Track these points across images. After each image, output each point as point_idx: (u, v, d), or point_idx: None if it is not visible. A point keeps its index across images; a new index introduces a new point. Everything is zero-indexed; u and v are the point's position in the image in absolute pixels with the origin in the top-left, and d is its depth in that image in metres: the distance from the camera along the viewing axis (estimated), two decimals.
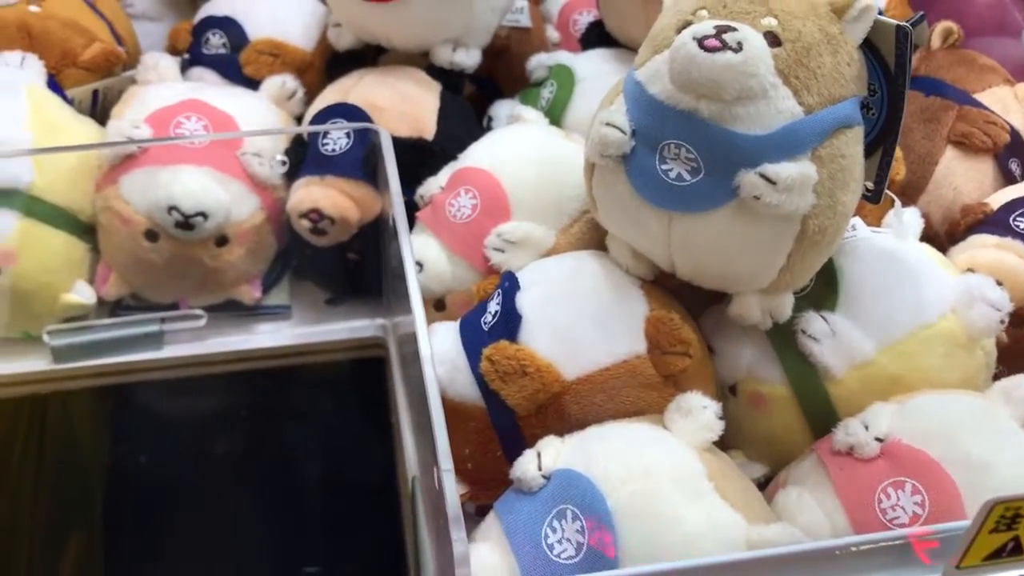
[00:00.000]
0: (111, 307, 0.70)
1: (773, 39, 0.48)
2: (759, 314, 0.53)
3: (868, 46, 0.50)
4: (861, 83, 0.50)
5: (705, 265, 0.52)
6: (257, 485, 0.67)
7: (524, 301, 0.55)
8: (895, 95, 0.51)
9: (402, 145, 0.67)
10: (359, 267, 0.71)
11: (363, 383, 0.72)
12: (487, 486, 0.54)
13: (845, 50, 0.49)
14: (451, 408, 0.55)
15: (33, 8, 0.72)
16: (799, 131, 0.47)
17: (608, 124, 0.50)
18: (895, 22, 0.49)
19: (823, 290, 0.55)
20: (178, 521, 0.64)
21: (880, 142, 0.53)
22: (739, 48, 0.46)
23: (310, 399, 0.73)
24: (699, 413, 0.50)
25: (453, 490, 0.43)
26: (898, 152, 0.65)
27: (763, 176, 0.46)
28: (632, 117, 0.50)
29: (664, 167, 0.49)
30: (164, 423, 0.70)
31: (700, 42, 0.46)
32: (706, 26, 0.47)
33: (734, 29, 0.47)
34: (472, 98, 0.78)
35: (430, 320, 0.61)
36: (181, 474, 0.67)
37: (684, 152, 0.48)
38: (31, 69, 0.69)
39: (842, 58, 0.48)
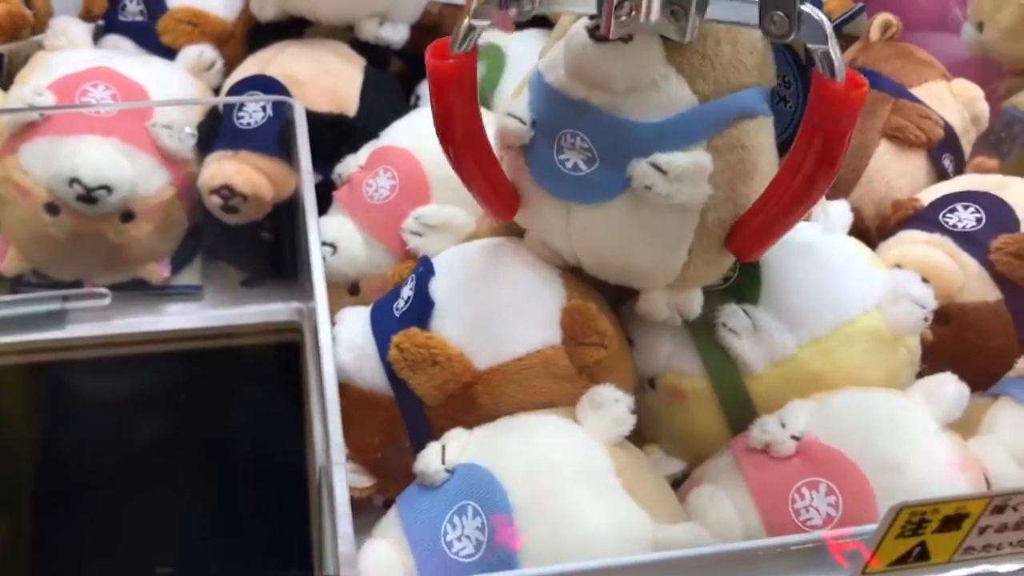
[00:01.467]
0: (11, 283, 0.66)
1: None
2: (666, 310, 0.51)
3: None
4: (766, 73, 0.48)
5: (605, 258, 0.51)
6: (166, 472, 0.64)
7: (438, 287, 0.53)
8: (808, 84, 0.49)
9: (321, 121, 0.65)
10: (275, 247, 0.68)
11: (277, 369, 0.69)
12: (395, 479, 0.52)
13: (746, 39, 0.47)
14: (359, 397, 0.53)
15: None
16: (692, 120, 0.46)
17: (509, 115, 0.49)
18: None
19: (746, 283, 0.54)
20: (81, 504, 0.61)
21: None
22: (630, 38, 0.44)
23: (221, 384, 0.70)
24: (611, 406, 0.48)
25: (344, 485, 0.41)
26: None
27: (654, 165, 0.45)
28: (533, 108, 0.49)
29: (561, 157, 0.48)
30: (67, 406, 0.67)
31: (591, 31, 0.45)
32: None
33: None
34: (400, 75, 0.75)
35: (343, 305, 0.59)
36: (86, 458, 0.64)
37: (579, 142, 0.47)
38: None
39: (742, 47, 0.46)
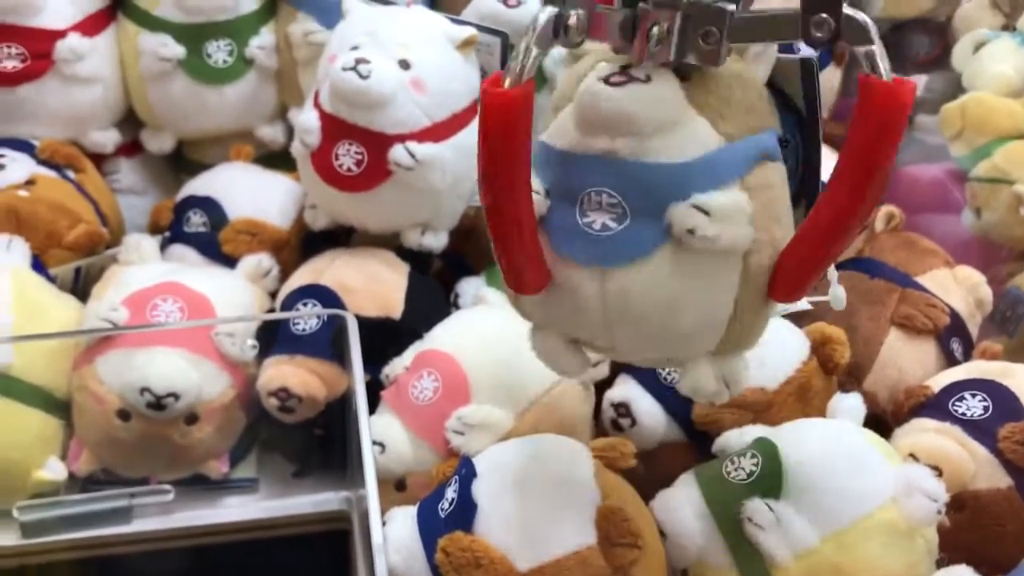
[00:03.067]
0: (81, 482, 0.71)
1: (680, 76, 0.46)
2: (714, 382, 0.49)
3: (775, 91, 0.49)
4: (775, 119, 0.48)
5: (648, 327, 0.47)
6: None
7: (479, 489, 0.57)
8: (810, 137, 0.50)
9: (370, 324, 0.70)
10: (325, 441, 0.73)
11: (327, 556, 0.73)
12: None
13: (753, 86, 0.47)
14: None
15: (22, 192, 0.76)
16: (722, 159, 0.45)
17: None
18: (797, 56, 0.49)
19: (769, 477, 0.57)
20: None
21: (801, 196, 0.50)
22: (648, 79, 0.45)
23: (276, 572, 0.74)
24: None
25: None
26: (843, 335, 0.68)
27: (696, 207, 0.43)
28: (544, 178, 0.47)
29: (586, 220, 0.45)
30: None
31: (605, 80, 0.45)
32: (610, 66, 0.46)
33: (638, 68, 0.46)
34: (440, 273, 0.81)
35: (390, 500, 0.63)
36: None
37: (605, 198, 0.45)
38: (16, 252, 0.73)
39: (751, 92, 0.47)
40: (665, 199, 0.44)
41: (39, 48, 0.79)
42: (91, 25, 0.82)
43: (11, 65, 0.79)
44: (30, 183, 0.76)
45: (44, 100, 0.81)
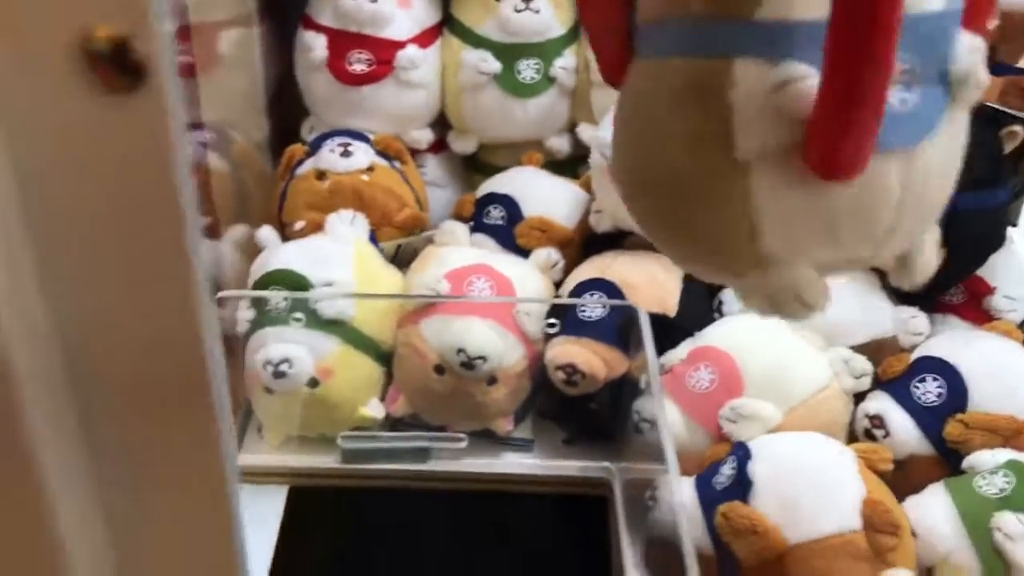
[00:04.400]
0: (392, 422, 0.85)
1: None
2: (936, 257, 0.46)
3: None
4: None
5: (927, 210, 0.43)
6: None
7: (755, 470, 0.66)
8: None
9: (650, 319, 0.81)
10: (596, 415, 0.84)
11: (585, 517, 0.84)
12: None
13: None
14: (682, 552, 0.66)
15: (364, 177, 0.90)
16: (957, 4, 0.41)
17: (786, 80, 0.38)
18: None
19: (1018, 491, 0.64)
20: None
21: None
22: None
23: (538, 523, 0.85)
24: None
25: None
26: None
27: (970, 54, 0.40)
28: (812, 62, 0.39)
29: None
30: (415, 527, 0.83)
31: None
32: None
33: None
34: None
35: (658, 473, 0.73)
36: (413, 573, 0.79)
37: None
38: (359, 226, 0.87)
39: None
40: (943, 52, 0.40)
41: (383, 55, 0.94)
42: (425, 38, 0.96)
43: (360, 68, 0.93)
44: (370, 169, 0.91)
45: (381, 100, 0.95)
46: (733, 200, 0.41)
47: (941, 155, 0.42)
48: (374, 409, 0.83)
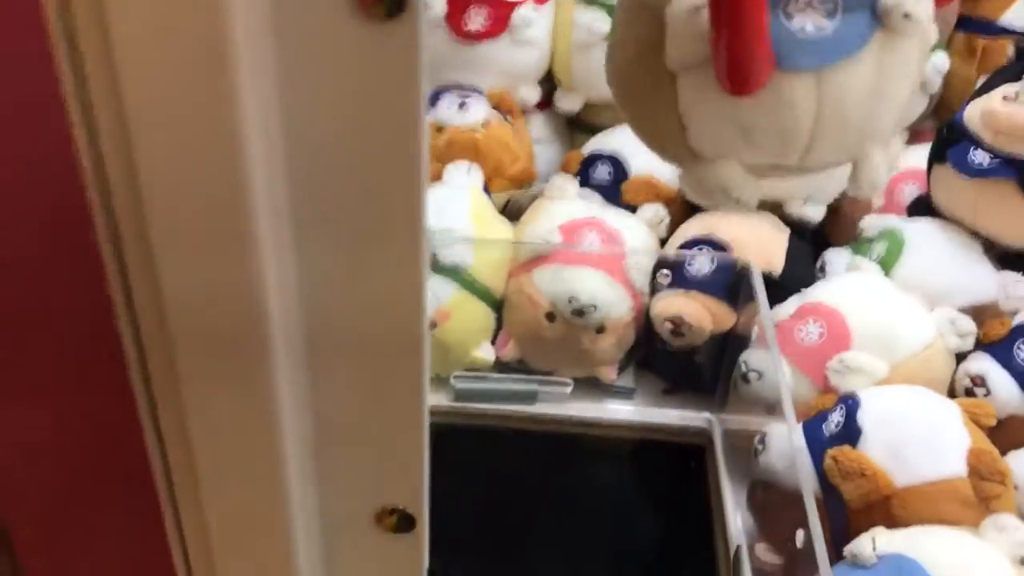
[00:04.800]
0: (501, 366, 0.89)
1: None
2: (886, 172, 0.50)
3: None
4: None
5: (853, 127, 0.47)
6: (582, 538, 0.82)
7: (864, 418, 0.68)
8: None
9: None
10: (697, 367, 0.87)
11: (684, 464, 0.87)
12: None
13: None
14: (784, 494, 0.69)
15: (480, 131, 0.94)
16: None
17: (699, 5, 0.45)
18: None
19: None
20: (498, 552, 0.79)
21: None
22: None
23: (639, 469, 0.89)
24: (1013, 531, 0.61)
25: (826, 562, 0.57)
26: None
27: None
28: None
29: (795, 25, 0.45)
30: (519, 466, 0.87)
31: None
32: None
33: None
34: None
35: (761, 423, 0.76)
36: (517, 511, 0.83)
37: None
38: (475, 177, 0.91)
39: None
40: None
41: (500, 13, 0.97)
42: None
43: (478, 25, 0.97)
44: (485, 124, 0.94)
45: (495, 57, 0.98)
46: (666, 101, 0.49)
47: (865, 76, 0.46)
48: (485, 352, 0.87)
